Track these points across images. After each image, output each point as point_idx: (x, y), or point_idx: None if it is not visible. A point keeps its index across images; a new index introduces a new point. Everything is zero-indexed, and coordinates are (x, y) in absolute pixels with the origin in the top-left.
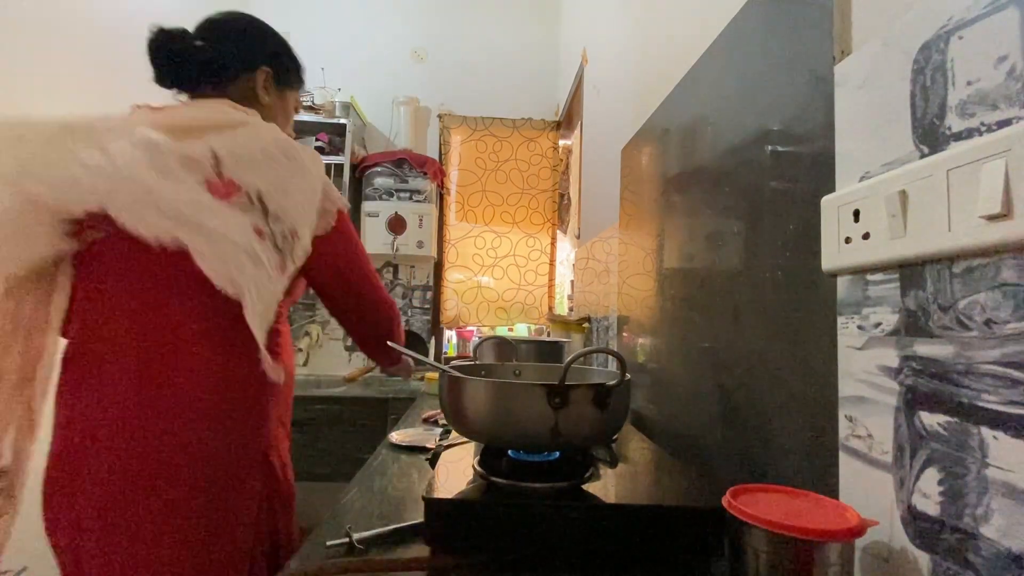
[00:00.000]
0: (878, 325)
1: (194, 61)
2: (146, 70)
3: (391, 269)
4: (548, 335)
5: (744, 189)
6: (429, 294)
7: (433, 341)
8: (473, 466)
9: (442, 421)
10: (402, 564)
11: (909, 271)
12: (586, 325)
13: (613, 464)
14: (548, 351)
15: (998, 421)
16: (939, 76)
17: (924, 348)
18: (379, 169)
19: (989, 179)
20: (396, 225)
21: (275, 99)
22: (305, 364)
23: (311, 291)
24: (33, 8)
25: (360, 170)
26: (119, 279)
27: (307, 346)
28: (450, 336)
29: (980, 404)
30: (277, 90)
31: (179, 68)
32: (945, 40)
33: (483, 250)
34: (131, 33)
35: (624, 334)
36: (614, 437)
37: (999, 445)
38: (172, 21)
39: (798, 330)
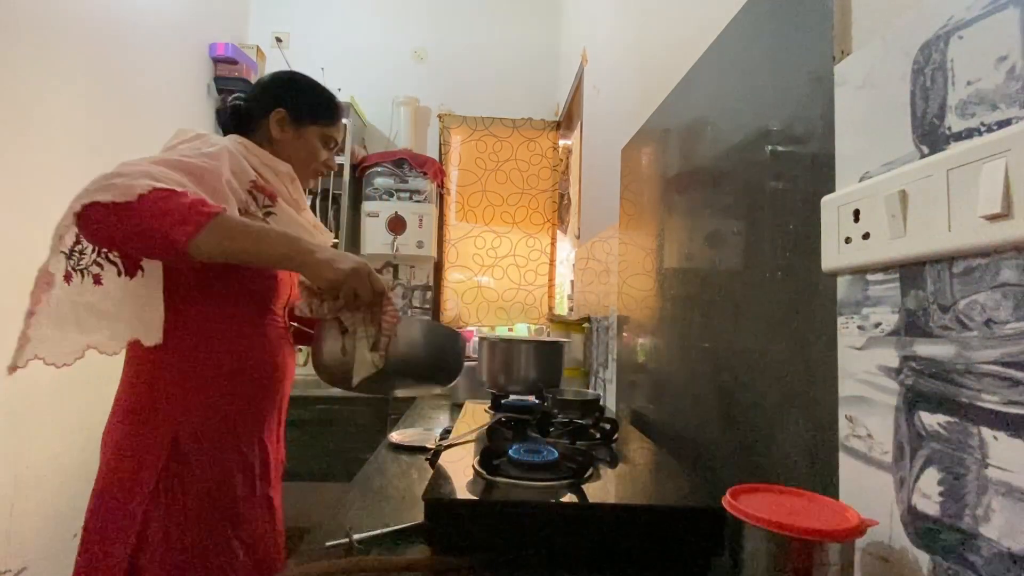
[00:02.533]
0: (878, 325)
1: (234, 114)
2: (145, 71)
3: (391, 269)
4: (548, 335)
5: (744, 189)
6: (429, 294)
7: None
8: (473, 466)
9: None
10: (402, 564)
11: (909, 271)
12: (586, 325)
13: (613, 464)
14: (548, 351)
15: (998, 421)
16: (939, 76)
17: (924, 348)
18: (379, 169)
19: (989, 179)
20: (396, 225)
21: (291, 136)
22: (305, 364)
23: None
24: (33, 8)
25: (360, 170)
26: None
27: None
28: None
29: (980, 404)
30: (294, 127)
31: (226, 121)
32: (945, 40)
33: (483, 250)
34: (132, 33)
35: (624, 334)
36: (614, 437)
37: (999, 445)
38: (172, 21)
39: (798, 330)
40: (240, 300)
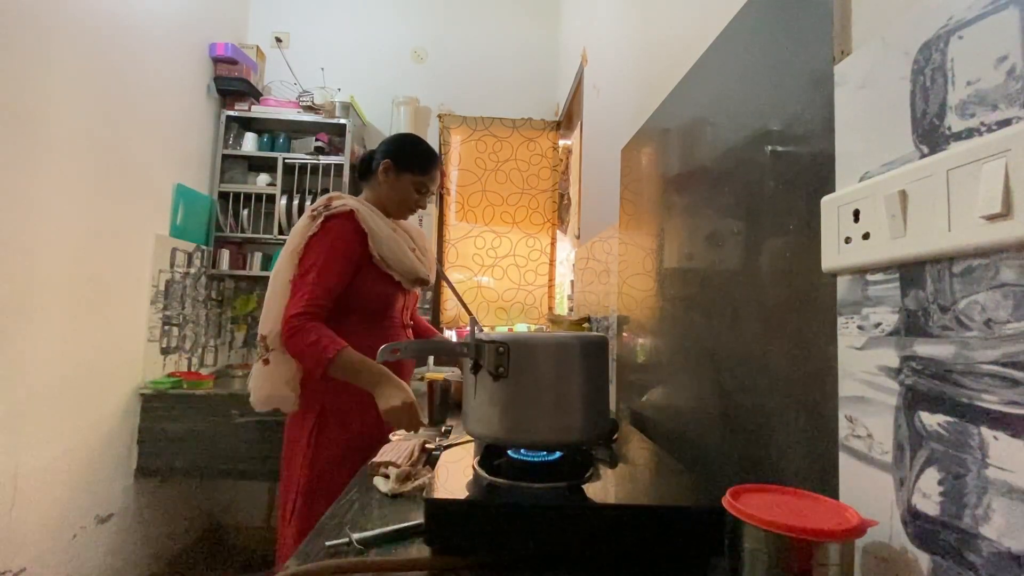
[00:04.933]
0: (878, 325)
1: (364, 162)
2: (146, 71)
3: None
4: None
5: (744, 189)
6: (429, 294)
7: None
8: (473, 466)
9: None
10: (402, 564)
11: (909, 271)
12: (586, 325)
13: (613, 464)
14: None
15: (998, 421)
16: (939, 76)
17: (924, 348)
18: None
19: (989, 179)
20: None
21: (392, 180)
22: None
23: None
24: (34, 8)
25: None
26: None
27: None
28: (450, 336)
29: (980, 404)
30: (395, 174)
31: (360, 168)
32: (945, 40)
33: (483, 250)
34: (132, 33)
35: (624, 334)
36: (614, 437)
37: (999, 445)
38: (172, 21)
39: (798, 330)
40: (363, 311)
